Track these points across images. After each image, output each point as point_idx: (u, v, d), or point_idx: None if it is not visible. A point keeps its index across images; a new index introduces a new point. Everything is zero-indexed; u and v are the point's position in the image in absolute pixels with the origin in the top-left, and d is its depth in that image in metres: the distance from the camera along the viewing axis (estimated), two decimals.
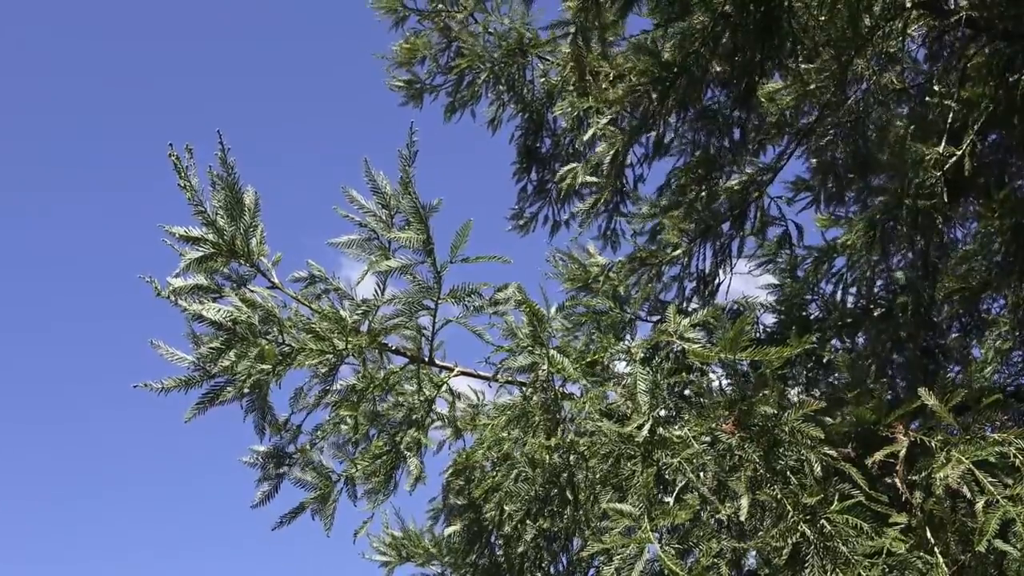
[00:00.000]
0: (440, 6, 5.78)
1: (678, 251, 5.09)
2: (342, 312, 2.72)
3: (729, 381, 3.44)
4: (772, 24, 4.42)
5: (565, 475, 2.86)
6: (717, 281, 5.13)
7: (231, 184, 2.51)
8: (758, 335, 4.56)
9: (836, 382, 4.43)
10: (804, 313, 4.86)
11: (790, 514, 2.57)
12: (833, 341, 4.86)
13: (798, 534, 2.53)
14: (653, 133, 5.07)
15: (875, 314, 4.93)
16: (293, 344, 2.59)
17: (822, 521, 2.58)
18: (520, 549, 3.03)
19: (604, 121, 4.95)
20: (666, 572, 2.38)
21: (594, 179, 5.16)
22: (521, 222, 6.07)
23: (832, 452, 2.79)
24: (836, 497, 2.69)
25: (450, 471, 3.27)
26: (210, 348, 2.44)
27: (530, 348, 2.68)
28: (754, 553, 2.83)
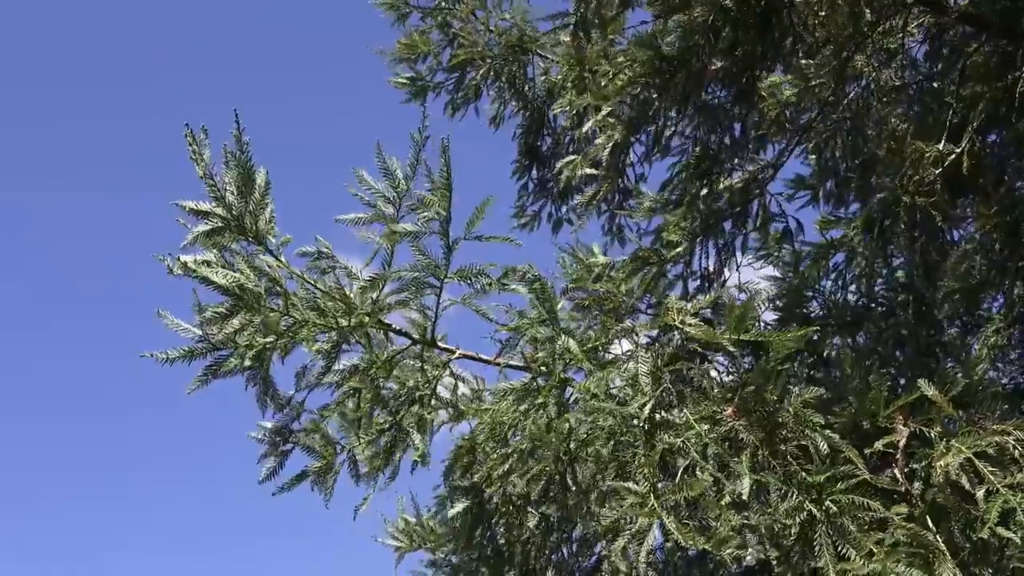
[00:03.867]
0: (442, 3, 5.79)
1: (679, 248, 5.09)
2: (347, 291, 2.72)
3: (729, 369, 3.45)
4: (772, 18, 4.45)
5: (566, 459, 2.86)
6: (723, 279, 5.14)
7: (244, 162, 2.52)
8: (754, 323, 4.55)
9: (836, 378, 4.43)
10: (804, 310, 4.87)
11: (794, 494, 2.57)
12: (834, 339, 4.87)
13: (805, 513, 2.53)
14: (653, 127, 5.08)
15: (875, 312, 4.94)
16: (297, 317, 2.59)
17: (827, 501, 2.58)
18: (523, 535, 3.03)
19: (603, 113, 4.95)
20: (677, 550, 2.38)
21: (594, 171, 5.15)
22: (523, 220, 6.08)
23: (834, 435, 2.80)
24: (840, 476, 2.70)
25: (453, 454, 3.27)
26: (214, 312, 2.44)
27: (548, 322, 2.68)
28: (756, 540, 2.83)
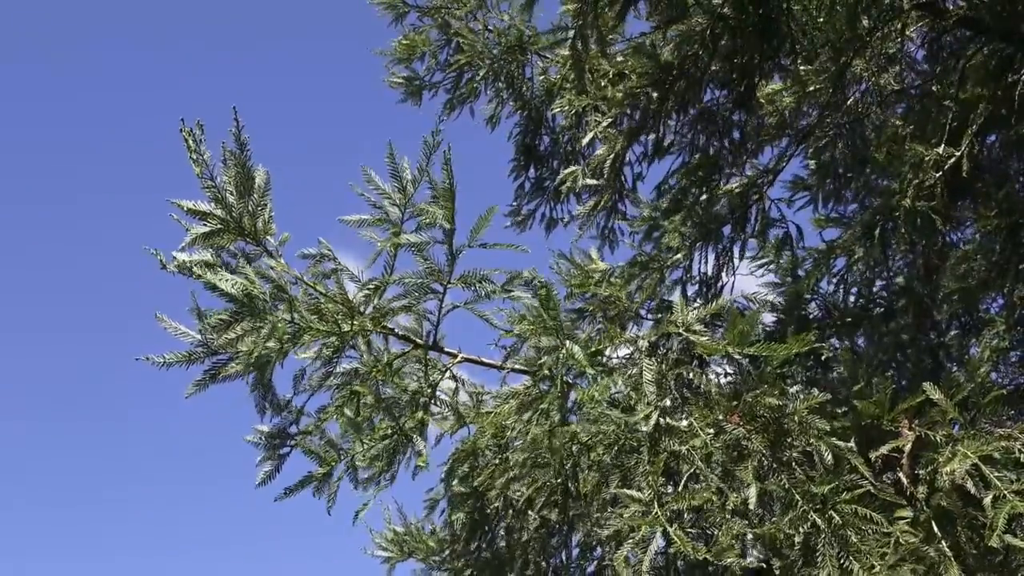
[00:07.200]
0: (440, 2, 5.76)
1: (679, 255, 5.07)
2: (348, 295, 2.68)
3: (731, 376, 3.42)
4: (771, 25, 4.44)
5: (569, 464, 2.83)
6: (720, 284, 5.12)
7: (242, 161, 2.48)
8: (758, 334, 4.53)
9: (836, 379, 4.41)
10: (804, 312, 4.86)
11: (799, 503, 2.55)
12: (833, 341, 4.86)
13: (808, 523, 2.50)
14: (653, 134, 5.07)
15: (875, 314, 4.93)
16: (300, 323, 2.55)
17: (831, 512, 2.56)
18: (524, 539, 2.99)
19: (604, 124, 4.94)
20: (679, 556, 2.35)
21: (594, 181, 5.16)
22: (518, 219, 6.05)
23: (840, 443, 2.78)
24: (845, 487, 2.67)
25: (453, 458, 3.23)
26: (218, 319, 2.39)
27: (553, 330, 2.65)
28: (759, 548, 2.80)
